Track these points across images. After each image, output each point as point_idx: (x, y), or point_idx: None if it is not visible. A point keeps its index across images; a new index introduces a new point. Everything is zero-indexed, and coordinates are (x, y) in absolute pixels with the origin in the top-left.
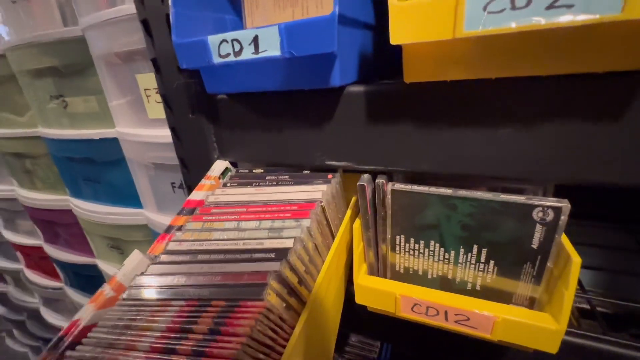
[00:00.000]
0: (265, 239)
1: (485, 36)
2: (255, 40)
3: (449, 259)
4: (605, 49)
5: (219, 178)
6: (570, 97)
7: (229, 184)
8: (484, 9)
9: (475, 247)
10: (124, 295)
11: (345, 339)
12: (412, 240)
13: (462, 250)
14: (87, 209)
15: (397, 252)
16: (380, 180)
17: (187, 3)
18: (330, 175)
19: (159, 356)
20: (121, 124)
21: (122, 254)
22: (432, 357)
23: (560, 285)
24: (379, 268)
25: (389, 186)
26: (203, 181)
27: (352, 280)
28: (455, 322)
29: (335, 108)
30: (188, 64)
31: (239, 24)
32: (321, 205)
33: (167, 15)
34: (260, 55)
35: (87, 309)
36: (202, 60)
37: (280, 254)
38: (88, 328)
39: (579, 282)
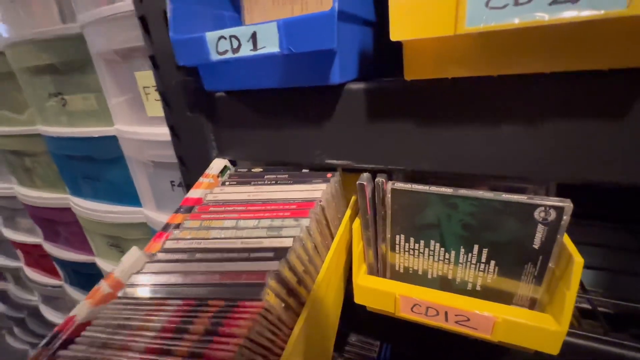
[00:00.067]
0: (264, 237)
1: (487, 32)
2: (254, 36)
3: (449, 259)
4: (610, 45)
5: (218, 176)
6: (572, 95)
7: (227, 183)
8: (486, 4)
9: (476, 247)
10: (120, 294)
11: (345, 338)
12: (412, 239)
13: (462, 250)
14: (86, 207)
15: (397, 251)
16: (380, 179)
17: None
18: (329, 174)
19: (154, 357)
20: (120, 122)
21: (121, 252)
22: (432, 357)
23: (561, 286)
24: (379, 268)
25: (389, 185)
26: (201, 179)
27: (351, 280)
28: (455, 322)
29: (335, 106)
30: (185, 60)
31: (238, 21)
32: (320, 205)
33: (165, 12)
34: (259, 51)
35: (83, 305)
36: (200, 57)
37: (280, 253)
38: (84, 325)
39: (580, 282)
